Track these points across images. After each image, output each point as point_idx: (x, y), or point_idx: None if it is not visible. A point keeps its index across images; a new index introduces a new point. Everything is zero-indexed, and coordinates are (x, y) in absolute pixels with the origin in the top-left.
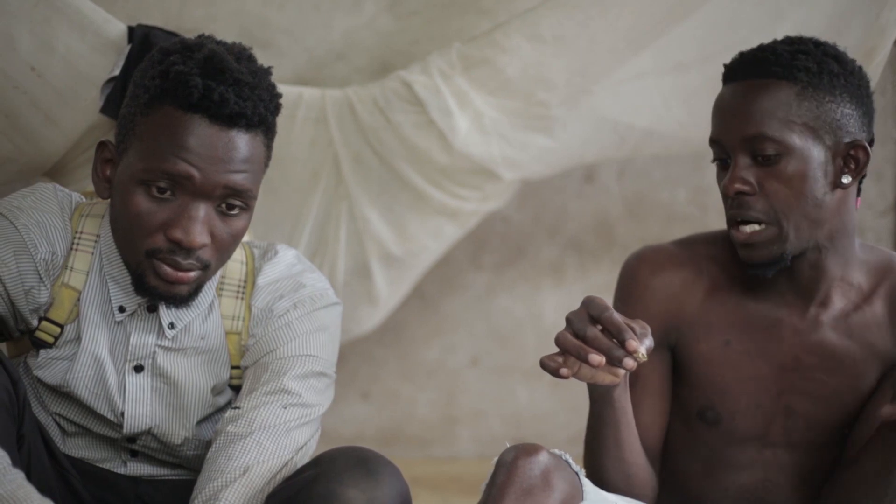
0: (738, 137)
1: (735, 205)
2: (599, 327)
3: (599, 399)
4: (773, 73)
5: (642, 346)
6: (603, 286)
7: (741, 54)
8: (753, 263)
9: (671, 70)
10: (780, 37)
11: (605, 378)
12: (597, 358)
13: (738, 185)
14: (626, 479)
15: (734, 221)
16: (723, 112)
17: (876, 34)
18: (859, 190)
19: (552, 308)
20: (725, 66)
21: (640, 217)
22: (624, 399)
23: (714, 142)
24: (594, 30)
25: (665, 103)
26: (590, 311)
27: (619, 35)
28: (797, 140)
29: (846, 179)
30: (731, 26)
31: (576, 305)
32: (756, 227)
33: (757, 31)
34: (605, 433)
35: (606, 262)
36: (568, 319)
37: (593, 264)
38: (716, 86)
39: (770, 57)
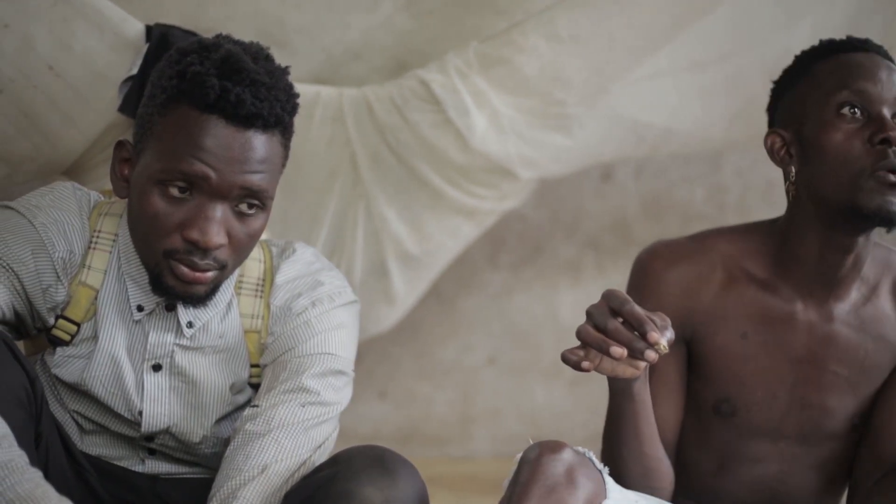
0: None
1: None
2: (620, 320)
3: (619, 392)
4: None
5: (663, 337)
6: (620, 285)
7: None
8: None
9: (689, 68)
10: (798, 35)
11: (625, 371)
12: (619, 350)
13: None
14: (645, 471)
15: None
16: (875, 74)
17: (893, 34)
18: None
19: (569, 307)
20: (851, 38)
21: (657, 216)
22: (644, 392)
23: (860, 92)
24: (611, 28)
25: (682, 102)
26: (610, 304)
27: (636, 34)
28: None
29: None
30: (748, 25)
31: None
32: None
33: (775, 30)
34: (624, 426)
35: (624, 260)
36: (588, 313)
37: (611, 263)
38: (733, 84)
39: None
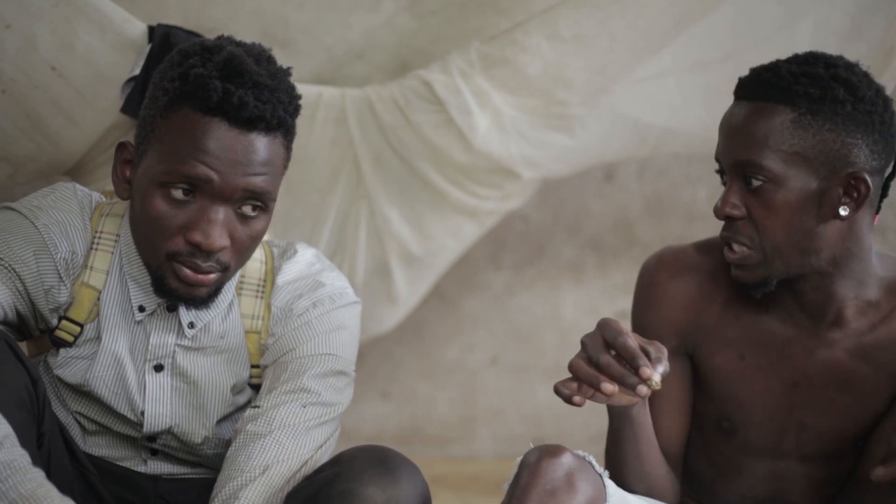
0: (730, 161)
1: (726, 226)
2: (614, 352)
3: (618, 416)
4: (771, 96)
5: (657, 372)
6: (622, 285)
7: (750, 71)
8: (741, 284)
9: (691, 68)
10: (800, 35)
11: (622, 399)
12: (609, 387)
13: (727, 210)
14: (648, 489)
15: (725, 242)
16: (722, 132)
17: (894, 33)
18: (879, 207)
19: (572, 307)
20: (739, 79)
21: (659, 216)
22: (643, 415)
23: (716, 159)
24: (614, 29)
25: (685, 102)
26: (604, 336)
27: (638, 34)
28: (785, 170)
29: (844, 211)
30: (751, 24)
31: (595, 305)
32: (745, 250)
33: (777, 30)
34: (624, 448)
35: (626, 261)
36: (583, 343)
37: (613, 263)
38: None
39: (772, 79)
